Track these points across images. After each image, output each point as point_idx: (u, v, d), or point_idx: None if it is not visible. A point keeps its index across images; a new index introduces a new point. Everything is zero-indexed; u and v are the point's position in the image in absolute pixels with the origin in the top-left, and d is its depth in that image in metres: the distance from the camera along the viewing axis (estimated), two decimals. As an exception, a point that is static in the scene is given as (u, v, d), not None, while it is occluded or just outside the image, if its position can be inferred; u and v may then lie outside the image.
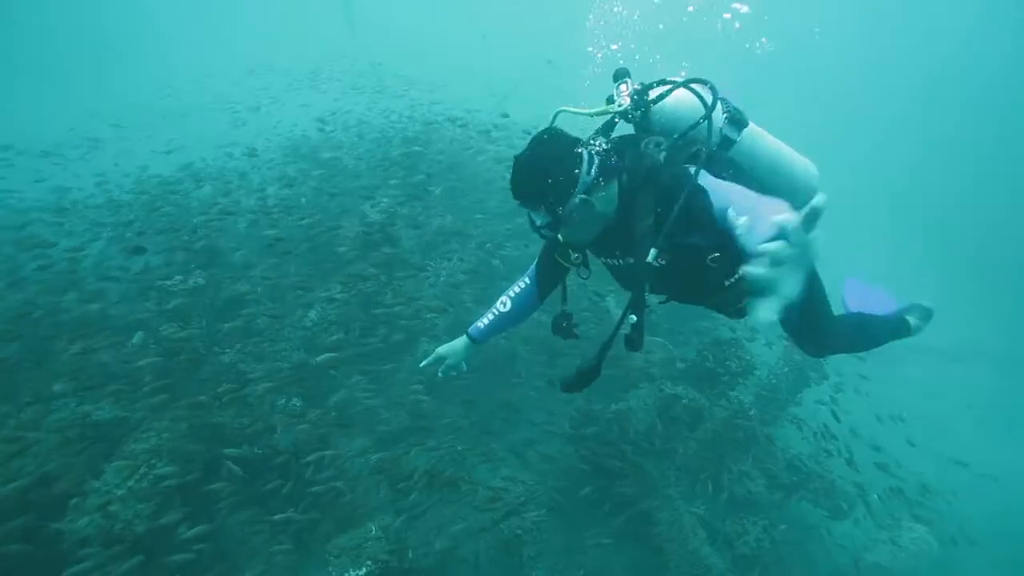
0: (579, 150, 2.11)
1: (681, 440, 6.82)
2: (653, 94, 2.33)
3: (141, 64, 26.42)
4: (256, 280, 7.49)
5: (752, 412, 6.60)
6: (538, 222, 2.16)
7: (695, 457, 6.79)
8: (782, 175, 2.47)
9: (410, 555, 4.70)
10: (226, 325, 6.23)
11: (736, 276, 2.13)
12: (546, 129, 2.20)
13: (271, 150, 11.97)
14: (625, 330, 2.14)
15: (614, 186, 2.16)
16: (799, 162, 2.54)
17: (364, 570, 4.22)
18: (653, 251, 1.98)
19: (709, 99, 2.22)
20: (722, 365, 6.98)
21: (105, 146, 15.12)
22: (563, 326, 2.46)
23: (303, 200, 9.14)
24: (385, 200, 7.73)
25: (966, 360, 14.36)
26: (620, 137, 2.39)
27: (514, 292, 2.66)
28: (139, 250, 6.24)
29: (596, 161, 2.11)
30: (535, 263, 2.71)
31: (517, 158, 2.13)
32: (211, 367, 5.84)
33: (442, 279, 7.94)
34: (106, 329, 5.94)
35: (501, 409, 6.73)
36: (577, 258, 2.44)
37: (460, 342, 2.70)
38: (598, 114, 2.40)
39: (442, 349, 2.71)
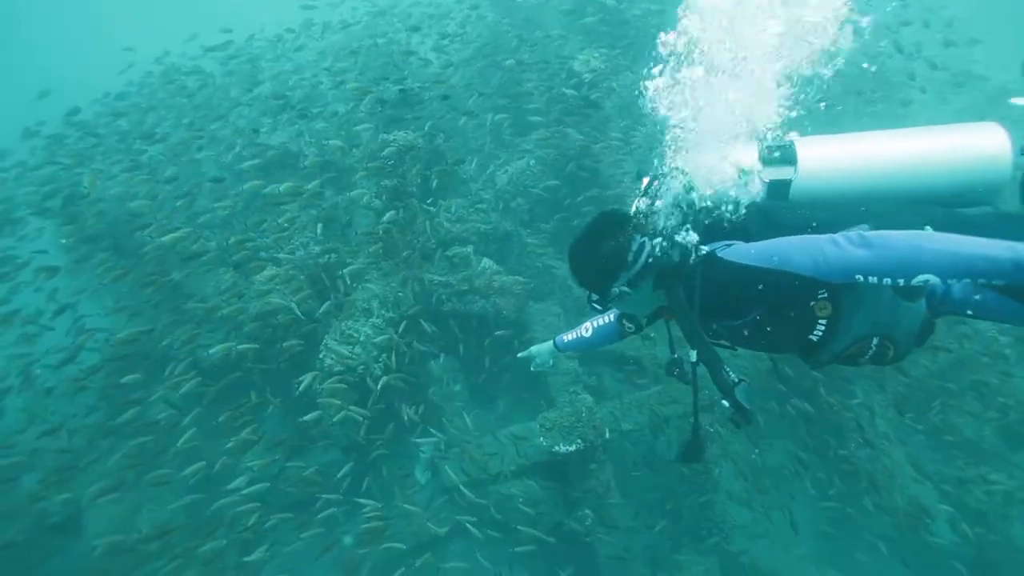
0: (634, 237, 2.04)
1: (895, 368, 6.06)
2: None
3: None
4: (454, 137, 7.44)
5: (1006, 353, 5.55)
6: (592, 298, 2.19)
7: (915, 389, 6.02)
8: (912, 186, 1.98)
9: (607, 435, 4.84)
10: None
11: (823, 329, 1.90)
12: (606, 211, 2.17)
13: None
14: (726, 411, 2.00)
15: (651, 282, 2.07)
16: (940, 157, 1.95)
17: (574, 447, 4.42)
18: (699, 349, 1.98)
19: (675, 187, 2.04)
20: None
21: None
22: (675, 373, 2.37)
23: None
24: (595, 58, 6.96)
25: None
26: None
27: (598, 323, 2.79)
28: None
29: (647, 249, 2.02)
30: None
31: (572, 245, 2.16)
32: (420, 223, 6.04)
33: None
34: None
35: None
36: (630, 328, 2.50)
37: (548, 346, 3.05)
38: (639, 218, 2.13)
39: (534, 349, 3.09)
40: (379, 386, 4.76)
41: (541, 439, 4.54)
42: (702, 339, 1.96)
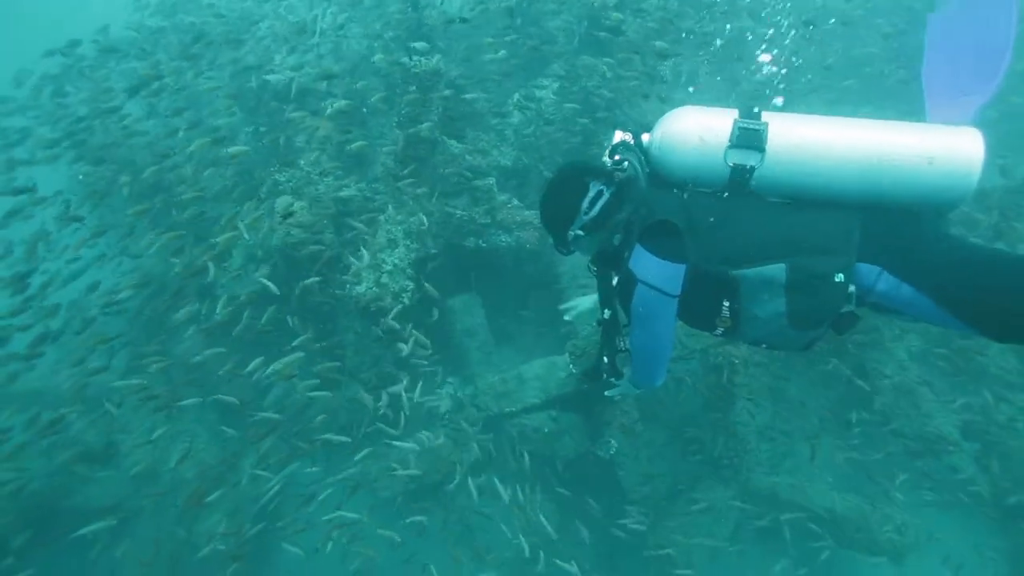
0: (590, 183, 2.11)
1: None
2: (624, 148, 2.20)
3: None
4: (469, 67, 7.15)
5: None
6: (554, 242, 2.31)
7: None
8: (884, 187, 1.85)
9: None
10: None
11: (721, 331, 2.08)
12: (567, 162, 2.33)
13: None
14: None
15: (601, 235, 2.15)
16: (913, 156, 1.80)
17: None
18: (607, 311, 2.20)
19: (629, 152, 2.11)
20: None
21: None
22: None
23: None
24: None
25: None
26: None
27: None
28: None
29: (605, 197, 2.09)
30: None
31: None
32: (443, 156, 5.88)
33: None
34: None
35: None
36: (593, 271, 2.42)
37: (593, 299, 2.99)
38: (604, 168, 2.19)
39: (574, 301, 2.94)
40: (405, 319, 4.75)
41: (570, 366, 4.54)
42: (613, 308, 2.19)
